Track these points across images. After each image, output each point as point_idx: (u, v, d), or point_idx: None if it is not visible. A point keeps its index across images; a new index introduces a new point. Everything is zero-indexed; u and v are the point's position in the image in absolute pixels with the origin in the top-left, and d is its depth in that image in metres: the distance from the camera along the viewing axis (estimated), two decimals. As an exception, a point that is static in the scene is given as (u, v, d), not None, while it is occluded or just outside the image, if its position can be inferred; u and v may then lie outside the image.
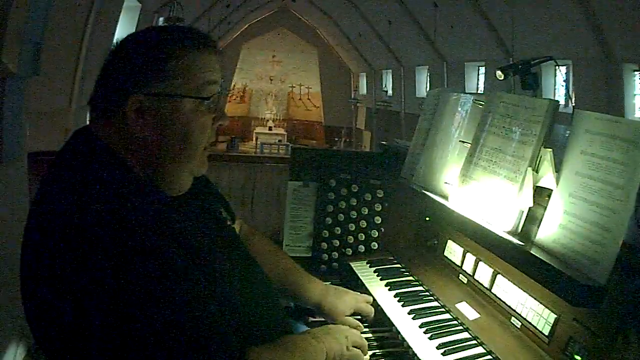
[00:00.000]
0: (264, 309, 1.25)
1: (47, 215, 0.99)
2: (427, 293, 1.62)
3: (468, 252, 1.59)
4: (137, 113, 1.04)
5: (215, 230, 1.26)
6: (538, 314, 1.27)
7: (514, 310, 1.35)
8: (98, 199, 0.96)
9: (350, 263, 1.89)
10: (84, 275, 0.91)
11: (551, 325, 1.23)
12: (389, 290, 1.66)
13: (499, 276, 1.44)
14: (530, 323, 1.29)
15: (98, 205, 0.95)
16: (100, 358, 0.93)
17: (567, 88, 9.75)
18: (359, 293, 1.65)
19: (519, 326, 1.32)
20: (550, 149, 1.31)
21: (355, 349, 1.34)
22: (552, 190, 1.29)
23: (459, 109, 1.75)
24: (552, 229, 1.25)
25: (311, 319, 1.61)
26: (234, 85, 21.63)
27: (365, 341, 1.41)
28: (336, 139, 20.12)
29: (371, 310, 1.59)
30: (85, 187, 0.98)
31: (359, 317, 1.58)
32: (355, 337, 1.37)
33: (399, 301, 1.58)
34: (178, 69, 1.05)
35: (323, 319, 1.57)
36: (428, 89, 15.40)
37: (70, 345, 0.95)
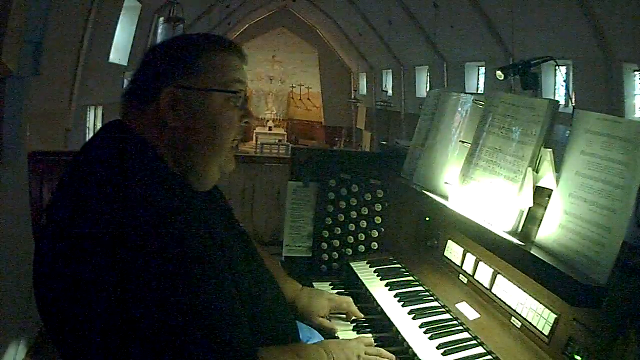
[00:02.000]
0: (273, 306, 1.27)
1: (75, 203, 1.00)
2: (427, 293, 1.62)
3: (468, 252, 1.59)
4: (170, 105, 1.11)
5: (231, 229, 1.30)
6: (538, 314, 1.27)
7: (514, 310, 1.35)
8: (129, 190, 0.98)
9: (350, 263, 1.90)
10: (112, 265, 0.92)
11: (551, 325, 1.23)
12: (389, 290, 1.66)
13: (499, 276, 1.44)
14: (530, 323, 1.29)
15: (129, 196, 0.97)
16: (117, 349, 0.94)
17: (567, 88, 9.75)
18: (335, 294, 1.65)
19: (519, 326, 1.32)
20: (550, 149, 1.31)
21: None
22: (552, 190, 1.29)
23: (459, 109, 1.75)
24: (552, 229, 1.25)
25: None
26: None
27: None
28: (336, 139, 20.11)
29: (350, 309, 1.58)
30: (119, 176, 1.00)
31: (365, 321, 1.58)
32: (370, 357, 1.35)
33: (399, 301, 1.58)
34: (209, 65, 1.15)
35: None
36: (428, 89, 15.40)
37: (90, 337, 0.96)
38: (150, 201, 0.97)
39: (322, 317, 1.54)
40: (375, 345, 1.48)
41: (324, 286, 1.84)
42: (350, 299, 1.62)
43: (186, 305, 0.94)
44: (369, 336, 1.49)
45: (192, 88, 1.12)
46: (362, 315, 1.59)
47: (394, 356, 1.39)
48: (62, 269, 0.97)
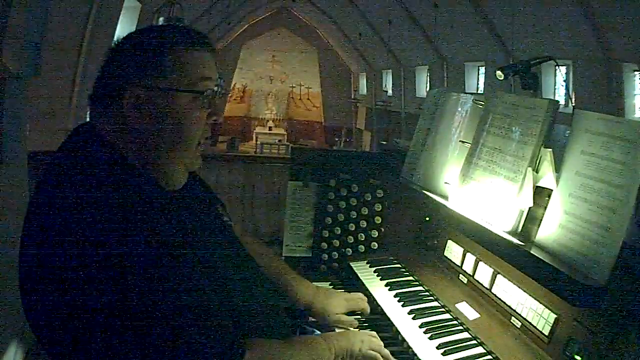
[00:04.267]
0: (261, 305, 1.27)
1: (48, 208, 1.00)
2: (427, 293, 1.62)
3: (468, 252, 1.59)
4: (134, 105, 1.08)
5: (215, 228, 1.29)
6: (538, 314, 1.27)
7: (514, 310, 1.35)
8: (95, 192, 0.98)
9: (350, 263, 1.89)
10: (85, 267, 0.93)
11: (551, 325, 1.23)
12: (389, 290, 1.66)
13: (499, 276, 1.44)
14: (530, 323, 1.29)
15: (98, 197, 0.97)
16: (101, 348, 0.95)
17: (567, 88, 9.76)
18: (350, 294, 1.65)
19: (519, 326, 1.32)
20: (550, 149, 1.31)
21: (371, 352, 1.32)
22: (552, 190, 1.29)
23: (459, 109, 1.75)
24: (552, 229, 1.25)
25: (311, 318, 1.60)
26: (234, 85, 21.63)
27: (386, 351, 1.36)
28: (336, 139, 20.11)
29: (365, 306, 1.59)
30: (85, 179, 1.01)
31: (359, 316, 1.59)
32: (373, 345, 1.34)
33: (399, 301, 1.58)
34: (174, 64, 1.09)
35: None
36: (428, 89, 15.40)
37: (73, 338, 0.97)
38: (114, 203, 0.97)
39: (338, 314, 1.54)
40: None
41: (324, 286, 1.84)
42: (363, 295, 1.62)
43: (161, 301, 0.95)
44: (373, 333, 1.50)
45: (158, 88, 1.08)
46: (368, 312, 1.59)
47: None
48: (40, 273, 0.98)
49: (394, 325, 1.47)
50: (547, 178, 1.31)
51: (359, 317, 1.59)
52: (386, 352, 1.35)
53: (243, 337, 1.08)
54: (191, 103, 1.11)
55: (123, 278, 0.93)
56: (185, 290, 0.99)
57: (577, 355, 1.14)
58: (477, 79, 13.72)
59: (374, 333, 1.41)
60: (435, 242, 1.78)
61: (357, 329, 1.51)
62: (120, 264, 0.93)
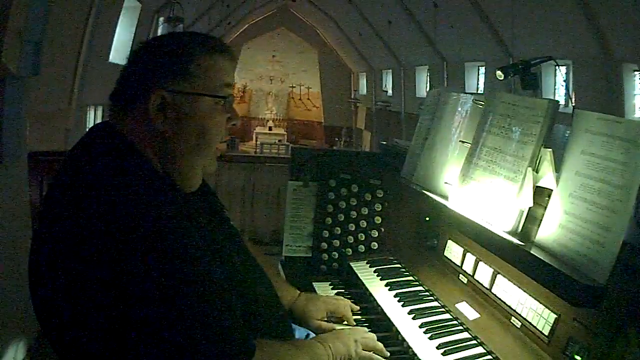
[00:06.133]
0: (265, 302, 1.28)
1: (63, 209, 1.00)
2: (427, 293, 1.62)
3: (468, 252, 1.59)
4: (158, 108, 1.10)
5: (222, 227, 1.30)
6: (538, 314, 1.27)
7: (514, 310, 1.35)
8: (119, 192, 0.99)
9: (350, 263, 1.90)
10: (104, 267, 0.93)
11: (551, 325, 1.23)
12: (389, 290, 1.66)
13: (499, 276, 1.44)
14: (530, 323, 1.29)
15: (119, 198, 0.98)
16: (112, 346, 0.96)
17: (567, 88, 9.74)
18: (335, 297, 1.65)
19: (519, 326, 1.32)
20: (550, 149, 1.31)
21: (366, 352, 1.34)
22: (552, 190, 1.29)
23: (459, 109, 1.75)
24: (552, 229, 1.25)
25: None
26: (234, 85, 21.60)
27: (380, 344, 1.38)
28: (336, 139, 20.11)
29: (348, 315, 1.57)
30: (107, 179, 1.01)
31: (365, 321, 1.58)
32: (366, 341, 1.37)
33: (399, 301, 1.58)
34: (199, 69, 1.13)
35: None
36: (428, 89, 15.39)
37: (85, 337, 0.97)
38: (139, 203, 0.98)
39: (319, 319, 1.54)
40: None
41: (324, 286, 1.84)
42: (349, 302, 1.62)
43: (180, 301, 0.95)
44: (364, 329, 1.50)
45: (182, 92, 1.11)
46: (354, 323, 1.57)
47: (387, 353, 1.39)
48: (55, 272, 0.98)
49: (394, 325, 1.48)
50: (547, 178, 1.31)
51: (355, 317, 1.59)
52: (380, 346, 1.37)
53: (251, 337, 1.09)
54: (213, 107, 1.15)
55: (143, 280, 0.93)
56: (207, 294, 1.00)
57: (577, 355, 1.14)
58: (477, 79, 13.70)
59: (364, 329, 1.43)
60: (435, 242, 1.78)
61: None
62: (143, 265, 0.93)
